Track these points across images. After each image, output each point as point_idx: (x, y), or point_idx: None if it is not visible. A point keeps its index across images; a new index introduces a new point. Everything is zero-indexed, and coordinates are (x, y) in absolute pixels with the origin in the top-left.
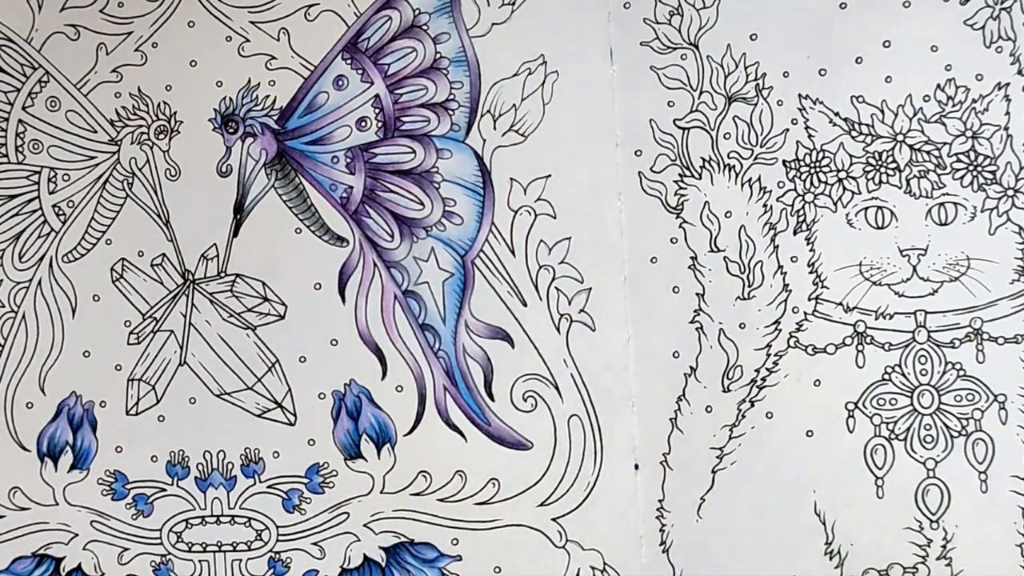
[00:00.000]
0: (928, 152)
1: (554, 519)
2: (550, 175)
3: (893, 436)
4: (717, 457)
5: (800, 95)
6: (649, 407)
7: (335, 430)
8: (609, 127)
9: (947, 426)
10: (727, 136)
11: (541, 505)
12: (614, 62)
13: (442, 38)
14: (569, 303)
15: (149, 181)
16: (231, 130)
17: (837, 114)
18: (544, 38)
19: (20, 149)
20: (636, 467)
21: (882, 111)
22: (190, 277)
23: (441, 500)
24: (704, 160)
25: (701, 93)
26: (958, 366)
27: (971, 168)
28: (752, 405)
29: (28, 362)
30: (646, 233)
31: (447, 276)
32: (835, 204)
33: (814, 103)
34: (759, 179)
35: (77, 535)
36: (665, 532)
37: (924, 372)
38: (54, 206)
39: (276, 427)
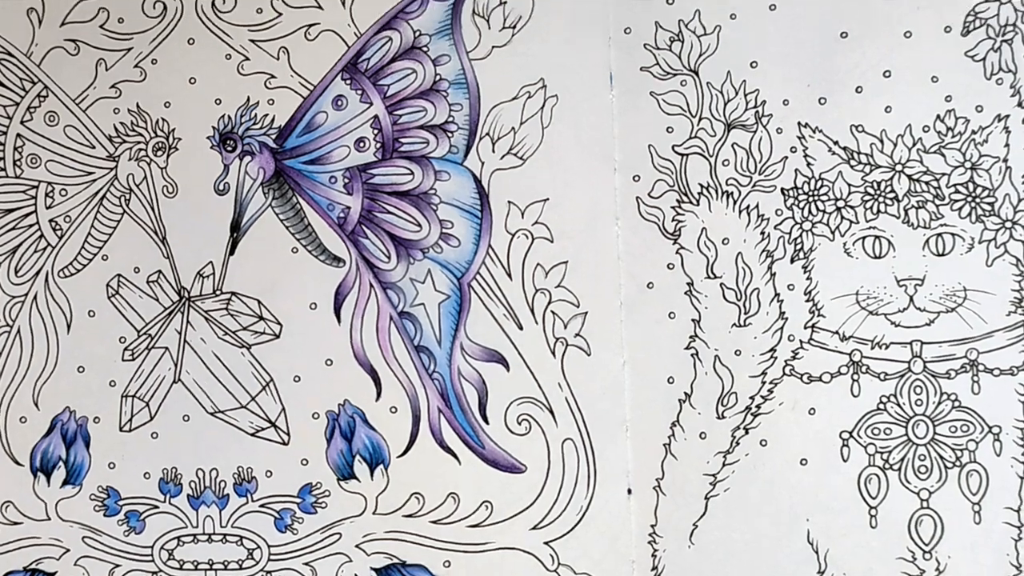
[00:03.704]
0: (927, 182)
1: (547, 542)
2: (548, 199)
3: (887, 466)
4: (710, 483)
5: (799, 123)
6: (643, 432)
7: (328, 450)
8: (608, 152)
9: (941, 457)
10: (726, 163)
11: (534, 528)
12: (614, 87)
13: (442, 60)
14: (565, 327)
15: (146, 197)
16: (229, 148)
17: (836, 143)
18: (544, 62)
19: (18, 163)
20: (629, 492)
21: (881, 141)
22: (186, 294)
23: (434, 522)
24: (702, 186)
25: (700, 119)
26: (953, 397)
27: (969, 199)
28: (746, 432)
29: (22, 376)
30: (643, 258)
31: (443, 298)
32: (833, 233)
33: (813, 131)
34: (757, 206)
35: (69, 550)
36: (657, 557)
37: (919, 402)
38: (51, 221)
39: (269, 446)
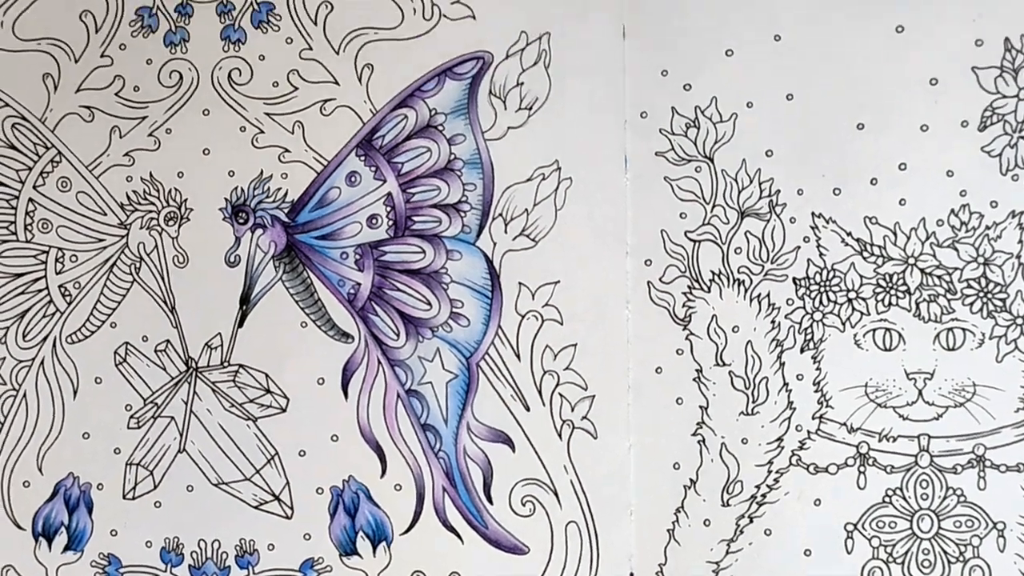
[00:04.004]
0: (939, 276)
1: None
2: (559, 281)
3: (891, 559)
4: (713, 572)
5: (813, 213)
6: (647, 517)
7: (331, 525)
8: (620, 235)
9: (945, 551)
10: (738, 251)
11: None
12: (628, 170)
13: (457, 139)
14: (572, 409)
15: (157, 267)
16: (241, 220)
17: (849, 234)
18: (559, 144)
19: (29, 228)
20: None
21: (895, 233)
22: (193, 365)
23: None
24: (714, 273)
25: (714, 206)
26: (959, 492)
27: (981, 294)
28: (751, 521)
29: (27, 441)
30: (652, 343)
31: (451, 377)
32: (843, 324)
33: (827, 222)
34: (768, 295)
35: None
36: None
37: (925, 496)
38: (60, 286)
39: (273, 519)
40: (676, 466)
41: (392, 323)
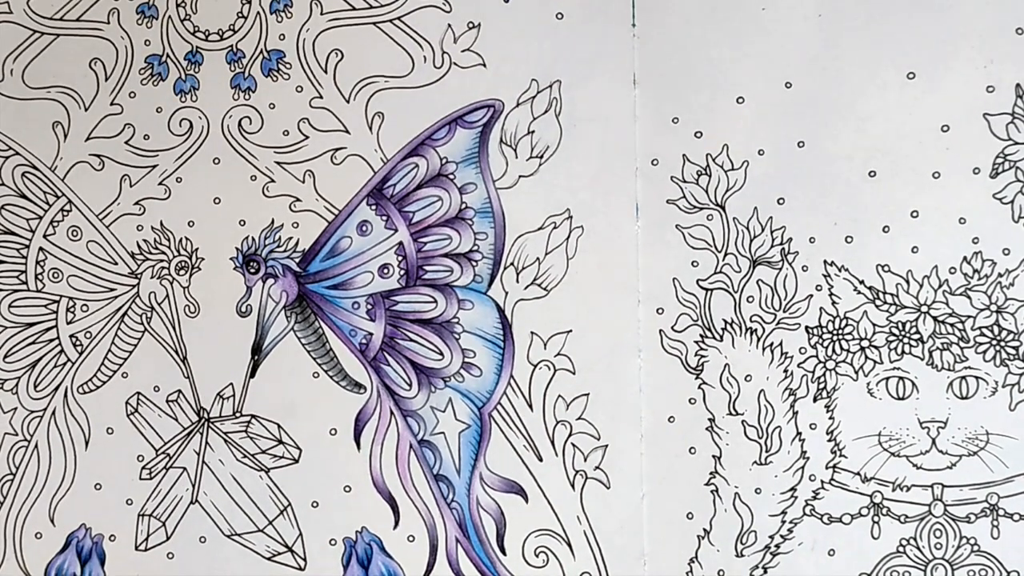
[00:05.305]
0: (952, 324)
1: None
2: (571, 330)
3: None
4: None
5: (825, 261)
6: (661, 567)
7: None
8: (632, 284)
9: None
10: (750, 299)
11: None
12: (640, 218)
13: (468, 188)
14: (585, 459)
15: (168, 316)
16: (252, 270)
17: (862, 282)
18: (570, 192)
19: (40, 277)
20: None
21: (907, 281)
22: (205, 415)
23: None
24: (726, 322)
25: (726, 255)
26: (972, 541)
27: (994, 342)
28: (765, 572)
29: (39, 492)
30: (665, 392)
31: (463, 427)
32: (856, 373)
33: (839, 270)
34: (781, 344)
35: None
36: None
37: (939, 546)
38: (71, 336)
39: (286, 571)
40: (689, 516)
41: (404, 373)
